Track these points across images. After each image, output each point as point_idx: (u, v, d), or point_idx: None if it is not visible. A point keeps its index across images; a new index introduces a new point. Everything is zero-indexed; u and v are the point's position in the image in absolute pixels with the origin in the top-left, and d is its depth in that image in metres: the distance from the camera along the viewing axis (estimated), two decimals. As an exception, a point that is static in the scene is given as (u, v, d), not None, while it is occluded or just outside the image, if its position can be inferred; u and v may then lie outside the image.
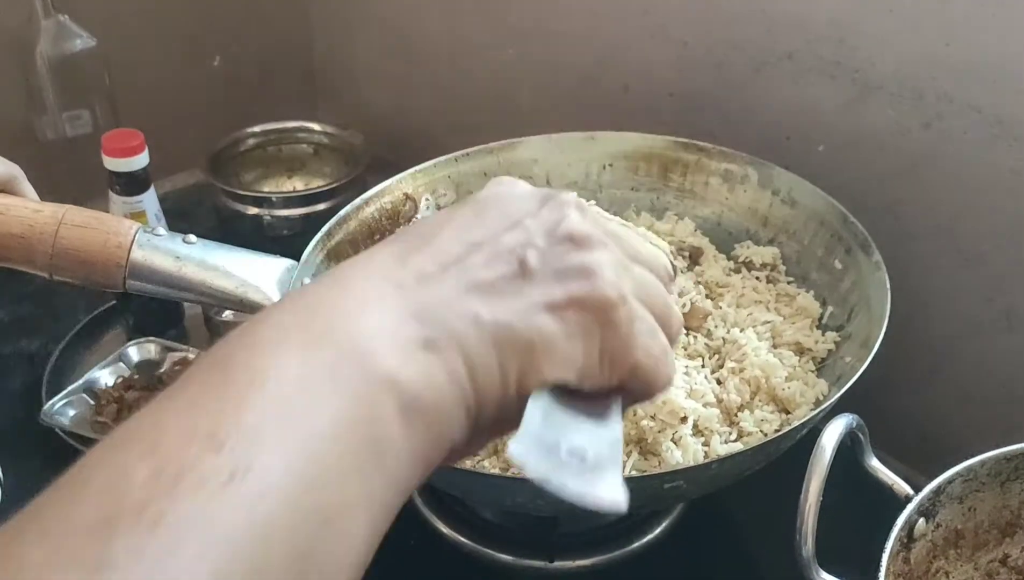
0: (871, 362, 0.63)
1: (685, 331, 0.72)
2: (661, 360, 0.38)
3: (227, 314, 0.98)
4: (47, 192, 0.70)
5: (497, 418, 0.35)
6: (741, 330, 0.72)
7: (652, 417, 0.64)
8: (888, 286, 0.69)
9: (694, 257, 0.80)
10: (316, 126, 1.24)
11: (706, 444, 0.65)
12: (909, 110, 0.76)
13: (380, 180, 0.84)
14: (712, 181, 0.84)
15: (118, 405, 0.88)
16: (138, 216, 0.93)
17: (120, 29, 1.13)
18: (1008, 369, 0.77)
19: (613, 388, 0.37)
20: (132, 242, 0.66)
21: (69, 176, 1.04)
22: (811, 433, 0.61)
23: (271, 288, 0.69)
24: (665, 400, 0.64)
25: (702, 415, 0.65)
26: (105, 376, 0.91)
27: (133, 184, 0.93)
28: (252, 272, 0.69)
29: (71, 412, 0.88)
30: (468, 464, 0.64)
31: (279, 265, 0.71)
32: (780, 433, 0.63)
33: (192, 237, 0.69)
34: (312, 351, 0.32)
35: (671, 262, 0.42)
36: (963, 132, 0.73)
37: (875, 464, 0.62)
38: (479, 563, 0.73)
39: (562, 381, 0.36)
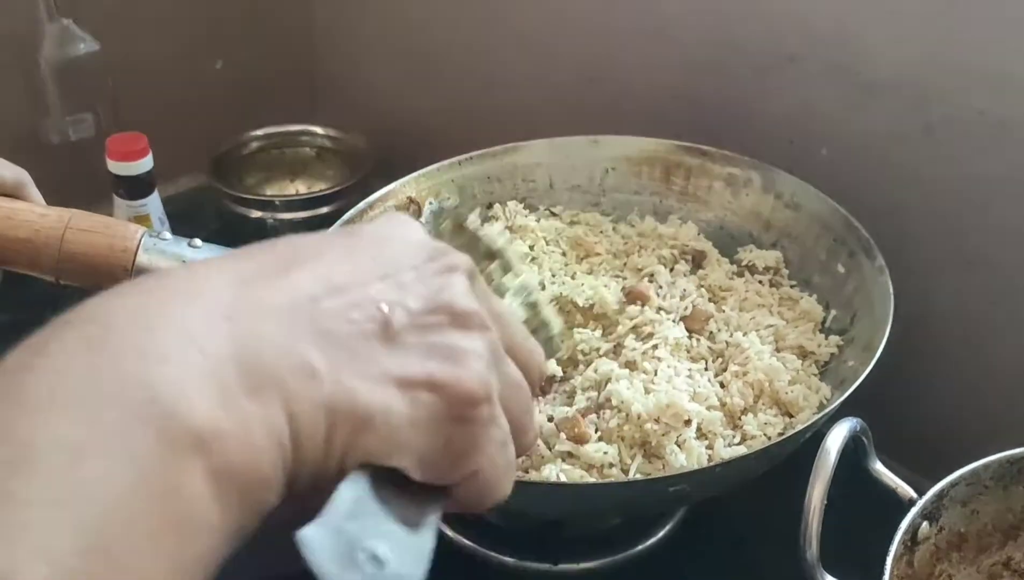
0: (874, 365, 0.64)
1: (688, 334, 0.72)
2: (504, 474, 0.33)
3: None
4: (51, 196, 0.70)
5: (312, 486, 0.30)
6: (744, 334, 0.72)
7: (656, 420, 0.64)
8: (891, 290, 0.69)
9: (697, 261, 0.81)
10: (319, 129, 1.24)
11: (710, 447, 0.65)
12: (912, 113, 0.76)
13: (383, 184, 0.84)
14: (715, 185, 0.84)
15: (122, 408, 0.88)
16: (142, 220, 0.93)
17: (123, 33, 1.13)
18: (1011, 373, 0.77)
19: (440, 488, 0.33)
20: (138, 246, 0.66)
21: (73, 180, 1.04)
22: (814, 436, 0.61)
23: (276, 292, 0.69)
24: (669, 403, 0.65)
25: (706, 418, 0.65)
26: (109, 379, 0.92)
27: (137, 188, 0.93)
28: (257, 276, 0.69)
29: (75, 415, 0.88)
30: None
31: (284, 269, 0.72)
32: (784, 436, 0.63)
33: (198, 241, 0.69)
34: (98, 410, 0.26)
35: (543, 368, 0.37)
36: (966, 135, 0.73)
37: (879, 467, 0.62)
38: (483, 566, 0.74)
39: (390, 466, 0.31)
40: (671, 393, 0.65)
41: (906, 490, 0.60)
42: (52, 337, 0.28)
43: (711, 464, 0.64)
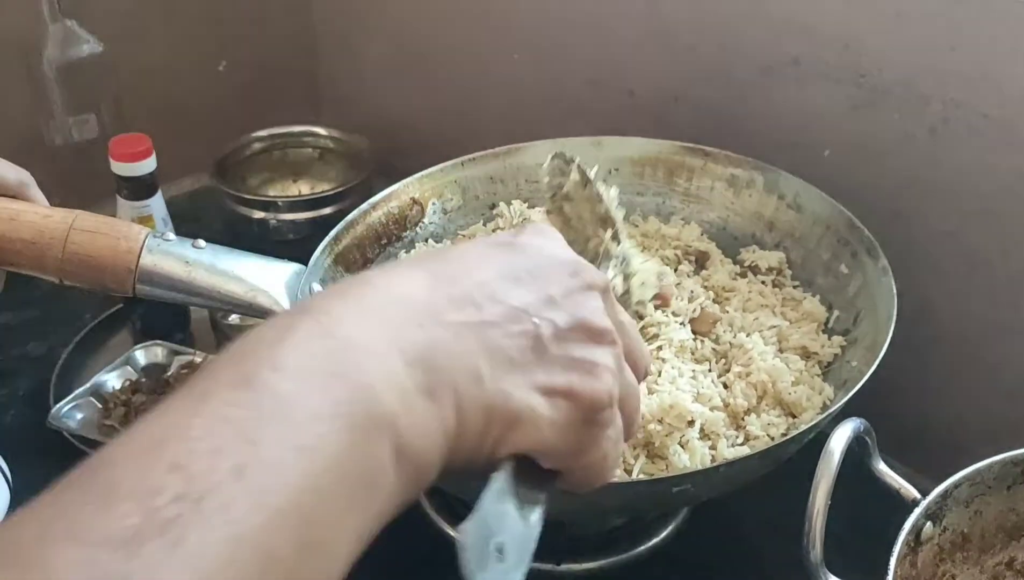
0: (878, 366, 0.64)
1: (693, 335, 0.72)
2: (613, 463, 0.41)
3: (233, 318, 0.98)
4: (54, 197, 0.70)
5: (463, 470, 0.37)
6: (747, 334, 0.72)
7: (660, 421, 0.64)
8: (895, 291, 0.69)
9: (700, 262, 0.81)
10: (321, 130, 1.24)
11: (713, 448, 0.65)
12: (915, 115, 0.76)
13: (385, 184, 0.84)
14: (718, 186, 0.84)
15: (125, 408, 0.88)
16: (145, 220, 0.93)
17: (127, 34, 1.13)
18: (1015, 373, 0.77)
19: (556, 471, 0.40)
20: (142, 247, 0.67)
21: (76, 181, 1.05)
22: (818, 437, 0.61)
23: (280, 293, 0.70)
24: (672, 403, 0.65)
25: (709, 419, 0.65)
26: (112, 379, 0.92)
27: (140, 189, 0.93)
28: (261, 277, 0.70)
29: (79, 415, 0.88)
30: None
31: (288, 269, 0.72)
32: (788, 437, 0.63)
33: (201, 242, 0.69)
34: (329, 386, 0.32)
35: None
36: (969, 137, 0.73)
37: (882, 468, 0.62)
38: (486, 566, 0.73)
39: (529, 454, 0.38)
40: (674, 394, 0.65)
41: (909, 490, 0.60)
42: (296, 322, 0.34)
43: (714, 465, 0.64)
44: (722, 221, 0.84)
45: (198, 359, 0.94)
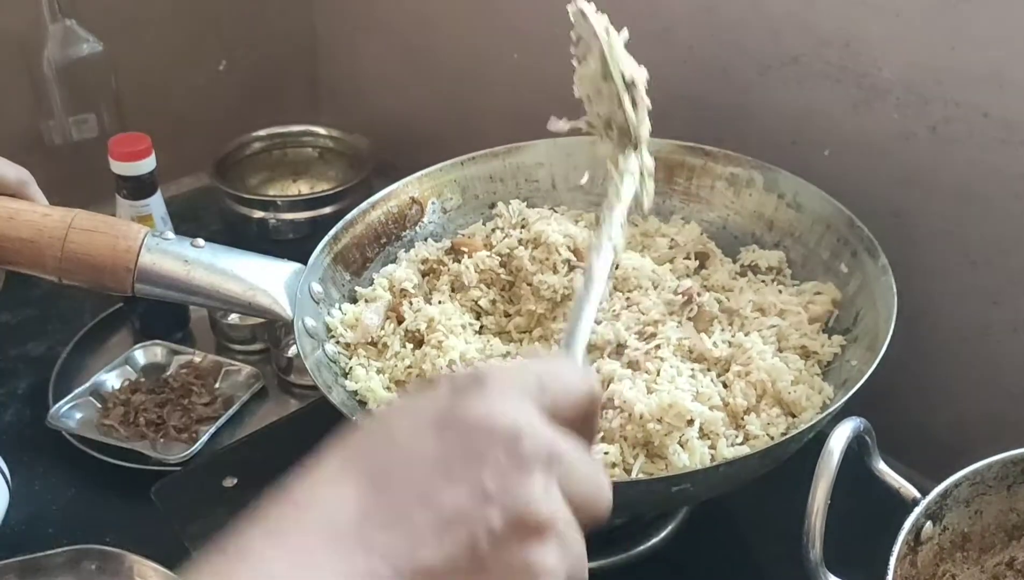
0: (878, 365, 0.63)
1: (692, 335, 0.72)
2: None
3: (233, 317, 0.98)
4: (54, 196, 0.70)
5: None
6: (746, 334, 0.72)
7: (659, 420, 0.64)
8: (894, 289, 0.69)
9: (700, 261, 0.81)
10: (321, 130, 1.24)
11: (712, 447, 0.65)
12: (915, 114, 0.76)
13: (385, 184, 0.84)
14: (718, 185, 0.84)
15: (124, 408, 0.88)
16: (145, 220, 0.93)
17: (127, 34, 1.13)
18: (1014, 373, 0.77)
19: None
20: (141, 246, 0.67)
21: (76, 180, 1.04)
22: (818, 436, 0.61)
23: (279, 292, 0.70)
24: (671, 403, 0.65)
25: (708, 418, 0.65)
26: (112, 379, 0.92)
27: (140, 188, 0.93)
28: (261, 276, 0.70)
29: (78, 415, 0.88)
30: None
31: (287, 269, 0.72)
32: (787, 436, 0.63)
33: (200, 241, 0.69)
34: None
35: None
36: (969, 136, 0.73)
37: (882, 467, 0.62)
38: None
39: None
40: (673, 393, 0.65)
41: (909, 490, 0.60)
42: (233, 570, 0.34)
43: (714, 464, 0.63)
44: (722, 220, 0.84)
45: (197, 359, 0.95)
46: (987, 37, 0.71)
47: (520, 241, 0.80)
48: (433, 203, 0.85)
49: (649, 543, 0.74)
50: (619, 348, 0.71)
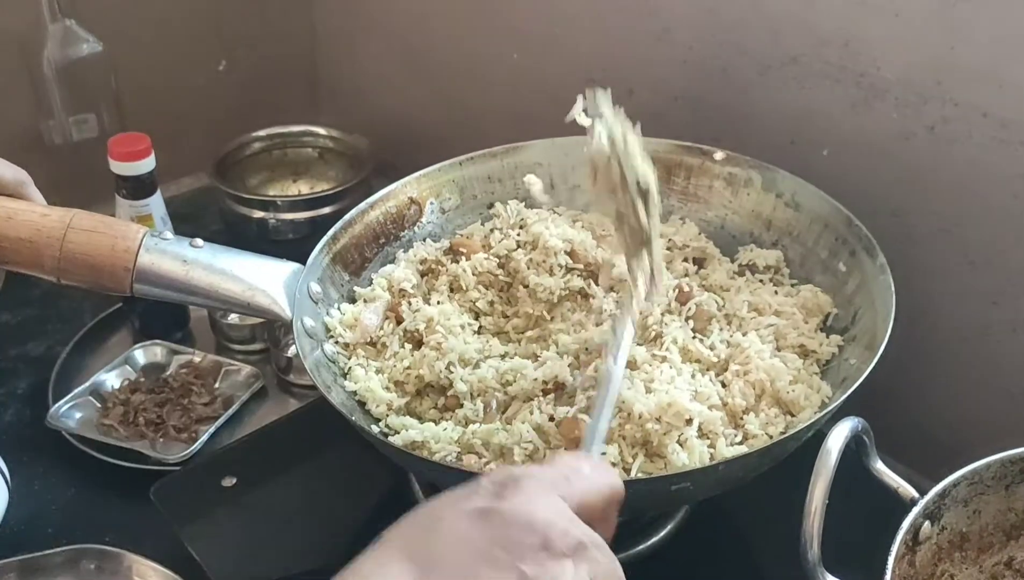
0: (876, 364, 0.63)
1: (692, 334, 0.72)
2: None
3: (232, 317, 0.98)
4: (54, 196, 0.70)
5: None
6: (744, 333, 0.72)
7: (658, 419, 0.64)
8: (893, 289, 0.69)
9: (698, 261, 0.81)
10: (321, 130, 1.25)
11: (711, 447, 0.65)
12: (914, 114, 0.76)
13: (384, 184, 0.84)
14: (716, 185, 0.84)
15: (124, 408, 0.88)
16: (144, 220, 0.93)
17: (127, 34, 1.13)
18: (1013, 373, 0.77)
19: None
20: (139, 246, 0.67)
21: (75, 180, 1.05)
22: (816, 436, 0.61)
23: (278, 292, 0.70)
24: (670, 402, 0.65)
25: (707, 418, 0.65)
26: (111, 379, 0.92)
27: (140, 188, 0.93)
28: (260, 276, 0.70)
29: (77, 415, 0.88)
30: (475, 467, 0.64)
31: (286, 269, 0.72)
32: (786, 435, 0.63)
33: (199, 241, 0.69)
34: None
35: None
36: (968, 136, 0.73)
37: (880, 467, 0.62)
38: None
39: None
40: (672, 393, 0.65)
41: (907, 490, 0.60)
42: None
43: (713, 463, 0.64)
44: (720, 220, 0.84)
45: (197, 358, 0.95)
46: (986, 37, 0.71)
47: (518, 243, 0.80)
48: (431, 203, 0.85)
49: (649, 542, 0.74)
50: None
